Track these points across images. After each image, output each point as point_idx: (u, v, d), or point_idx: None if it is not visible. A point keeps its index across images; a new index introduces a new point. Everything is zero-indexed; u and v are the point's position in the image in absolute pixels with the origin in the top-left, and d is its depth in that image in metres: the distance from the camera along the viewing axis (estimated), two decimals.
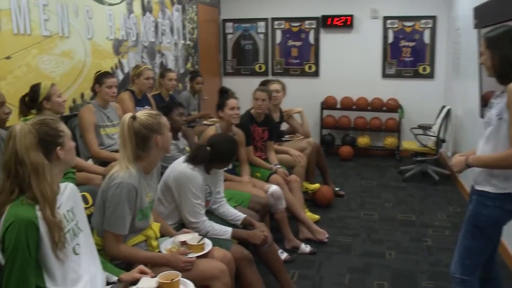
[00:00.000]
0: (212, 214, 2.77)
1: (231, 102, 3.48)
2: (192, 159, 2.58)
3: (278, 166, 3.92)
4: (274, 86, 4.43)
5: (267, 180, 3.72)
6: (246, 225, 2.77)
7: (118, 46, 4.41)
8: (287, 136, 4.83)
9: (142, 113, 2.12)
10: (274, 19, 7.10)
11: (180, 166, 2.58)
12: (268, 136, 4.06)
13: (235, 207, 2.93)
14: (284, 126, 4.76)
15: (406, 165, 5.93)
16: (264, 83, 4.59)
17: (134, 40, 4.72)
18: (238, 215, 2.79)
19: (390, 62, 6.78)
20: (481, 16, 4.09)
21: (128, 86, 4.19)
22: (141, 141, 2.08)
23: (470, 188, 2.31)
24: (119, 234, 2.03)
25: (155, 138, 2.10)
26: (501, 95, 2.08)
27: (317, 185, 4.60)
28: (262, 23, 7.15)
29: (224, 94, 3.58)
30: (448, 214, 4.43)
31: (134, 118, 2.07)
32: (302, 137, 4.70)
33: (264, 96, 3.92)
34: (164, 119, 2.18)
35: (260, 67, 7.27)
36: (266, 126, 4.04)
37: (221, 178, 2.87)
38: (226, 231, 2.57)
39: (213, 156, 2.63)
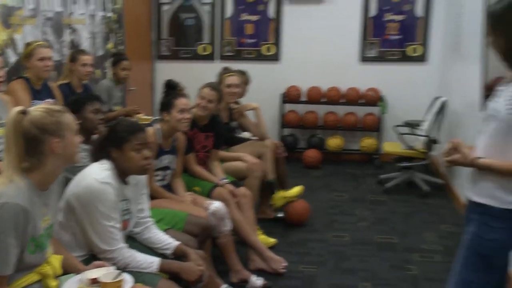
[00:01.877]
0: (134, 241, 2.74)
1: (180, 102, 3.43)
2: (93, 154, 2.70)
3: (226, 180, 3.92)
4: (232, 80, 4.42)
5: (209, 194, 3.71)
6: (179, 255, 2.74)
7: (7, 16, 4.24)
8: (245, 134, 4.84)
9: (38, 108, 2.10)
10: None
11: (86, 179, 2.52)
12: (212, 144, 4.04)
13: (166, 230, 2.90)
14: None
15: (387, 173, 6.02)
16: (225, 72, 4.59)
17: (32, 8, 4.55)
18: (169, 242, 2.76)
19: (371, 42, 6.86)
20: None
21: (23, 73, 4.06)
22: (31, 146, 2.03)
23: (467, 203, 2.30)
24: (1, 275, 1.95)
25: (51, 142, 2.05)
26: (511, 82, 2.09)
27: (298, 189, 4.67)
28: None
29: (172, 90, 3.52)
30: (439, 235, 4.54)
31: (24, 113, 2.03)
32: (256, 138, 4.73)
33: (213, 97, 3.87)
34: (67, 118, 2.14)
35: (204, 49, 7.23)
36: (211, 132, 4.01)
37: (144, 191, 2.84)
38: (151, 263, 2.55)
39: (107, 140, 2.67)
